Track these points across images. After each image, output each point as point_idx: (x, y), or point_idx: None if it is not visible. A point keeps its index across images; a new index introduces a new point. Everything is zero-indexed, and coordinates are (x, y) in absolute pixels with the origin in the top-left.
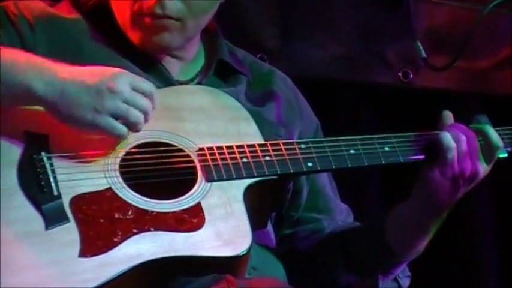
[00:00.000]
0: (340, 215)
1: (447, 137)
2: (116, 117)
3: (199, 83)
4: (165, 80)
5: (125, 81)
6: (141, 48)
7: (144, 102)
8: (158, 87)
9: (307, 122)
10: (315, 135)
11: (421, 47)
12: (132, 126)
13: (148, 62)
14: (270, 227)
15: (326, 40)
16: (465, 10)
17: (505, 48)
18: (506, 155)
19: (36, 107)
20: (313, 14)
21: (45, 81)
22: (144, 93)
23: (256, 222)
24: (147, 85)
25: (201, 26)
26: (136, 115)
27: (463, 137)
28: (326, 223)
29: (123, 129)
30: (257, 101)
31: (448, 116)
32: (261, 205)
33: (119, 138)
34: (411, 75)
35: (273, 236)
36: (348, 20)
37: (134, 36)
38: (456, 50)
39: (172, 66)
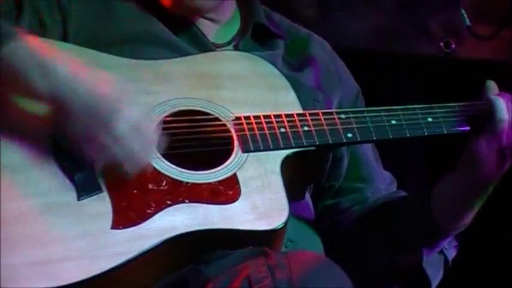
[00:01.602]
0: (383, 184)
1: (499, 108)
2: (104, 151)
3: (235, 47)
4: (200, 43)
5: (125, 118)
6: (174, 11)
7: (139, 144)
8: (192, 51)
9: (346, 88)
10: (355, 101)
11: (465, 15)
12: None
13: (181, 24)
14: (308, 198)
15: (365, 10)
16: None
17: None
18: None
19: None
20: None
21: (53, 81)
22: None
23: (294, 194)
24: (147, 127)
25: None
26: (122, 159)
27: (511, 107)
28: (369, 193)
29: (101, 168)
30: (295, 66)
31: (493, 86)
32: (298, 177)
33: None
34: (453, 46)
35: (311, 207)
36: None
37: (166, 0)
38: (502, 19)
39: (207, 28)
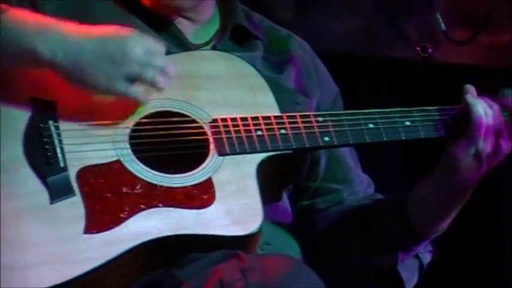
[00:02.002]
0: (361, 186)
1: (476, 112)
2: (132, 79)
3: (214, 47)
4: (179, 42)
5: (138, 43)
6: (153, 9)
7: (160, 61)
8: (171, 50)
9: (325, 89)
10: (333, 103)
11: (441, 20)
12: (150, 87)
13: (161, 23)
14: (286, 200)
15: (344, 13)
16: None
17: None
18: None
19: (45, 72)
20: None
21: (55, 44)
22: (159, 54)
23: (270, 196)
24: (160, 46)
25: None
26: (151, 75)
27: (489, 111)
28: (346, 194)
29: (139, 91)
30: (275, 66)
31: (472, 90)
32: (275, 179)
33: (135, 103)
34: (430, 50)
35: (289, 210)
36: None
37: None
38: (478, 24)
39: (186, 28)
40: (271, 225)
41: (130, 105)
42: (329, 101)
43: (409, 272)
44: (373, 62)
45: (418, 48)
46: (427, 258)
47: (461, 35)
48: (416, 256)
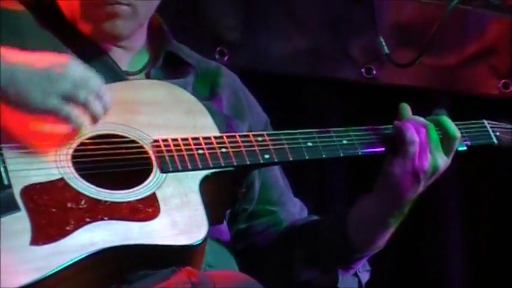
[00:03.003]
0: (295, 208)
1: (409, 131)
2: (66, 98)
3: (147, 75)
4: (112, 71)
5: (75, 66)
6: (92, 38)
7: (94, 84)
8: (105, 79)
9: (256, 117)
10: (264, 130)
11: (384, 43)
12: (84, 110)
13: (94, 52)
14: (225, 224)
15: (289, 33)
16: (432, 6)
17: (471, 45)
18: (465, 148)
19: None
20: (276, 5)
21: None
22: (95, 79)
23: (213, 217)
24: (96, 74)
25: (151, 10)
26: (84, 96)
27: (422, 129)
28: (282, 215)
29: (72, 112)
30: (204, 96)
31: (406, 109)
32: (217, 199)
33: (68, 123)
34: (374, 71)
35: (227, 230)
36: (312, 12)
37: (85, 27)
38: (422, 46)
39: (120, 57)
40: (213, 246)
41: (69, 130)
42: (260, 128)
43: None
44: (318, 83)
45: (362, 70)
46: (365, 277)
47: (406, 56)
48: (356, 275)
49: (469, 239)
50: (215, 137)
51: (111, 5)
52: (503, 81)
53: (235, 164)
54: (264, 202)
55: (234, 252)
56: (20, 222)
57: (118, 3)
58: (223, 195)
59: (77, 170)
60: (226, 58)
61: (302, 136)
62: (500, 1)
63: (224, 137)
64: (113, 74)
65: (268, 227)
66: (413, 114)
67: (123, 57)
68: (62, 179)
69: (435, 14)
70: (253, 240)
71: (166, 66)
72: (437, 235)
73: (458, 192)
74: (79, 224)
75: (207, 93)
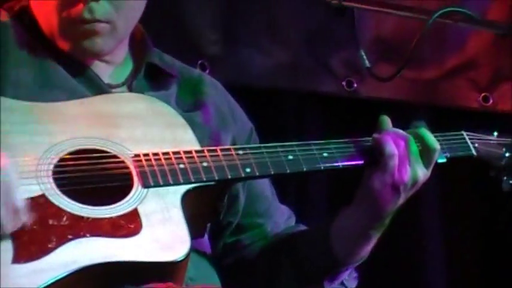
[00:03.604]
0: (282, 217)
1: (388, 144)
2: None
3: (129, 87)
4: (95, 85)
5: (4, 171)
6: (70, 54)
7: (16, 197)
8: (87, 93)
9: (240, 125)
10: (249, 138)
11: (365, 57)
12: None
13: (76, 67)
14: (206, 236)
15: (270, 47)
16: (412, 20)
17: (451, 58)
18: (444, 160)
19: None
20: (257, 19)
21: None
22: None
23: (195, 231)
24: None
25: (131, 26)
26: None
27: (402, 142)
28: (269, 227)
29: None
30: (188, 106)
31: (386, 121)
32: (199, 213)
33: None
34: (355, 85)
35: (208, 244)
36: (293, 25)
37: (64, 44)
38: (402, 60)
39: (102, 70)
40: (194, 259)
41: None
42: (245, 136)
43: None
44: (299, 96)
45: (343, 83)
46: (352, 284)
47: (387, 70)
48: (342, 283)
49: (449, 246)
50: (196, 151)
51: (90, 23)
52: (483, 94)
53: (216, 178)
54: (251, 215)
55: (217, 265)
56: (1, 241)
57: (96, 21)
58: (204, 209)
59: (58, 186)
60: (207, 71)
61: (282, 149)
62: (480, 15)
63: (205, 151)
64: (96, 88)
65: (256, 241)
66: (394, 126)
67: (105, 70)
68: (43, 195)
69: (416, 28)
70: (241, 254)
71: (149, 77)
72: (418, 242)
73: (437, 199)
74: (61, 241)
75: (192, 102)
